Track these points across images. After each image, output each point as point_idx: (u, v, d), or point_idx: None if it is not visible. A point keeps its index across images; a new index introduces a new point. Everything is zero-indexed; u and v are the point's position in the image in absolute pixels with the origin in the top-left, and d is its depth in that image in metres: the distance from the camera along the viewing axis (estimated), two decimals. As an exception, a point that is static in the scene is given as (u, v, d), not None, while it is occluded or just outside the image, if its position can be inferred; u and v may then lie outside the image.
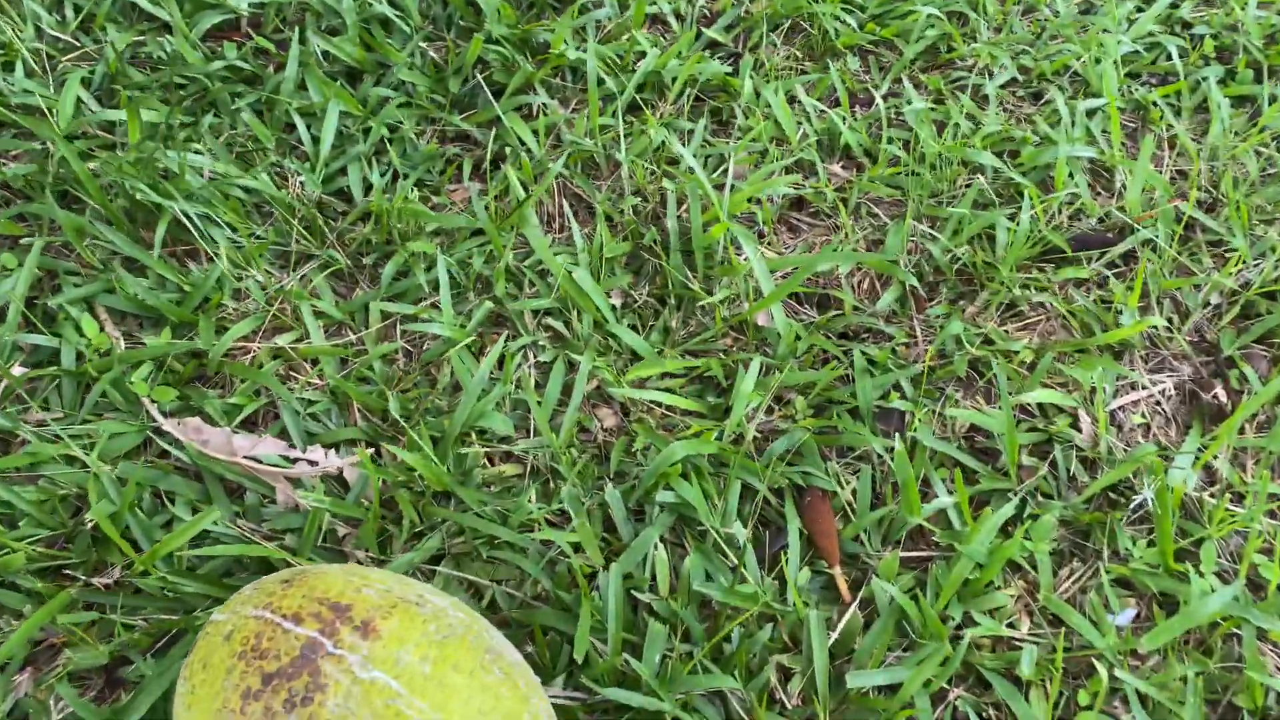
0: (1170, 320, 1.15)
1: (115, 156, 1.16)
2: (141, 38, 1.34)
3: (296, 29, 1.35)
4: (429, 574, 0.95)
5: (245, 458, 0.98)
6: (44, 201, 1.12)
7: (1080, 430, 1.05)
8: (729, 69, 1.38)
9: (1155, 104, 1.38)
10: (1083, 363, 1.08)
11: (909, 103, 1.35)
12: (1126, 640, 0.91)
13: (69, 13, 1.35)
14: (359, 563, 0.96)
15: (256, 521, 0.98)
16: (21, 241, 1.11)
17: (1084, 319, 1.14)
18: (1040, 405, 1.07)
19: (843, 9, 1.49)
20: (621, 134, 1.28)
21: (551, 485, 1.00)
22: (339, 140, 1.27)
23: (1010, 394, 1.05)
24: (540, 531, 0.94)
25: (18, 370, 1.02)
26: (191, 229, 1.12)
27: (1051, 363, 1.09)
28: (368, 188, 1.24)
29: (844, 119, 1.34)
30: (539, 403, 1.05)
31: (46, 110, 1.22)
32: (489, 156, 1.27)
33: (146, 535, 0.94)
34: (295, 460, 1.00)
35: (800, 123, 1.34)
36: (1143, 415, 1.08)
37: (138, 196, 1.10)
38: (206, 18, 1.36)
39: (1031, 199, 1.20)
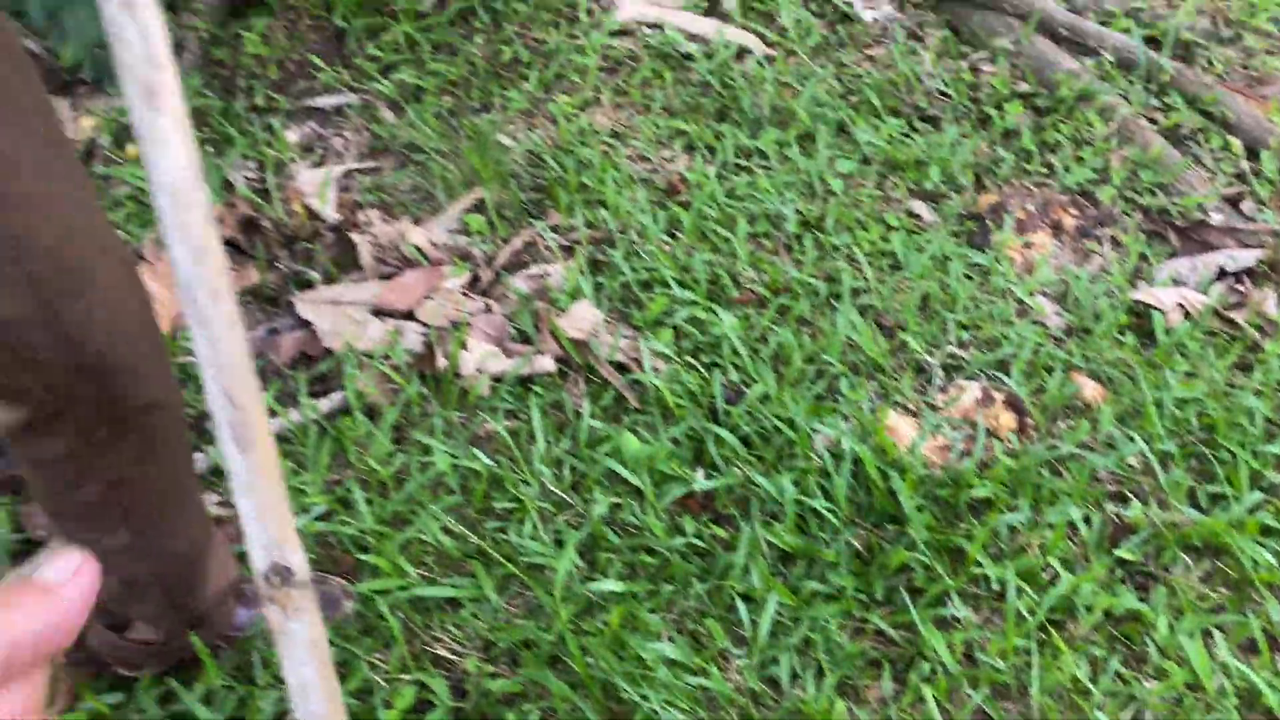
0: None
1: (596, 629, 1.42)
2: (618, 499, 1.63)
3: (742, 513, 1.59)
4: None
5: None
6: (539, 668, 1.39)
7: None
8: (1140, 596, 1.45)
9: None
10: None
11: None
12: None
13: (566, 472, 1.68)
14: None
15: None
16: (522, 706, 1.37)
17: None
18: None
19: (1261, 535, 1.52)
20: (1035, 659, 1.37)
21: None
22: (772, 626, 1.46)
23: None
24: None
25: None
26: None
27: None
28: (792, 677, 1.41)
29: (1263, 676, 1.35)
30: None
31: (547, 569, 1.51)
32: (907, 662, 1.41)
33: None
34: None
35: (1217, 672, 1.37)
36: None
37: (614, 681, 1.33)
38: (672, 489, 1.63)
39: None
